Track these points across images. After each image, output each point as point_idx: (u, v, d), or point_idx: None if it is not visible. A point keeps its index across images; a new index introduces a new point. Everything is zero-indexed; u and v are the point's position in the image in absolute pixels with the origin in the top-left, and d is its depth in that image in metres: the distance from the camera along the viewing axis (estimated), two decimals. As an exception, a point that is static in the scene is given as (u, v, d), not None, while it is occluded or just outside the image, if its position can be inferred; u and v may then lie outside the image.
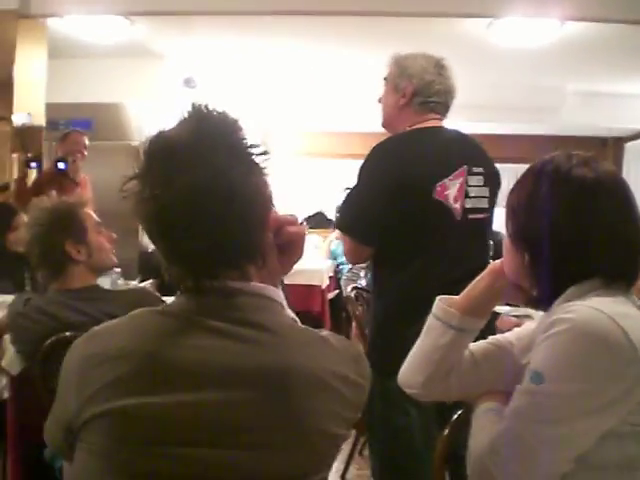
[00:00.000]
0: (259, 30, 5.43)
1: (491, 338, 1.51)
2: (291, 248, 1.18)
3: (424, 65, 2.35)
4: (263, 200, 1.08)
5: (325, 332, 1.12)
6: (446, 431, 1.50)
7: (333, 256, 7.15)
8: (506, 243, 1.36)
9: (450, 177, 2.23)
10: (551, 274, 1.28)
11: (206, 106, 1.06)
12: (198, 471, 0.98)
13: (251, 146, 1.07)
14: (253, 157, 1.06)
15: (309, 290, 5.74)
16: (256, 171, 1.06)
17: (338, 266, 7.09)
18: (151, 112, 5.39)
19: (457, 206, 2.23)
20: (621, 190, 1.30)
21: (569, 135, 8.11)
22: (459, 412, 1.51)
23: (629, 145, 10.56)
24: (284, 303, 1.12)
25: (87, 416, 1.01)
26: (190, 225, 1.01)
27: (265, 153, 1.08)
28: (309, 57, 6.38)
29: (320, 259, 6.77)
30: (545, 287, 1.29)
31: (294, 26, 5.27)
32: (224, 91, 6.37)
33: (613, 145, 10.23)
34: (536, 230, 1.28)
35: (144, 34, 5.45)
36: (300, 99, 8.06)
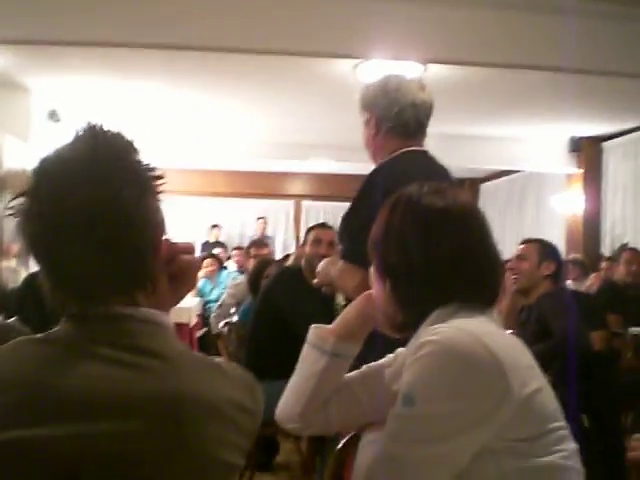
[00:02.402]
0: (126, 65, 5.35)
1: (366, 366, 1.52)
2: (184, 277, 1.13)
3: (376, 91, 2.30)
4: (155, 224, 1.04)
5: (218, 359, 1.08)
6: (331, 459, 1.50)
7: (200, 294, 7.05)
8: (372, 273, 1.39)
9: None
10: (411, 299, 1.31)
11: (101, 126, 1.03)
12: None
13: (147, 169, 1.03)
14: (148, 180, 1.03)
15: (177, 328, 5.61)
16: (150, 194, 1.03)
17: (206, 304, 7.00)
18: (16, 146, 5.16)
19: None
20: (470, 218, 1.34)
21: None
22: (344, 441, 1.50)
23: (483, 186, 11.16)
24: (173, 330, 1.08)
25: None
26: (77, 247, 0.96)
27: (161, 177, 1.04)
28: (177, 93, 6.34)
29: (187, 297, 6.64)
30: (407, 312, 1.32)
31: (161, 61, 5.22)
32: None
33: (470, 186, 10.75)
34: (393, 258, 1.32)
35: (9, 65, 5.25)
36: (166, 136, 7.99)
